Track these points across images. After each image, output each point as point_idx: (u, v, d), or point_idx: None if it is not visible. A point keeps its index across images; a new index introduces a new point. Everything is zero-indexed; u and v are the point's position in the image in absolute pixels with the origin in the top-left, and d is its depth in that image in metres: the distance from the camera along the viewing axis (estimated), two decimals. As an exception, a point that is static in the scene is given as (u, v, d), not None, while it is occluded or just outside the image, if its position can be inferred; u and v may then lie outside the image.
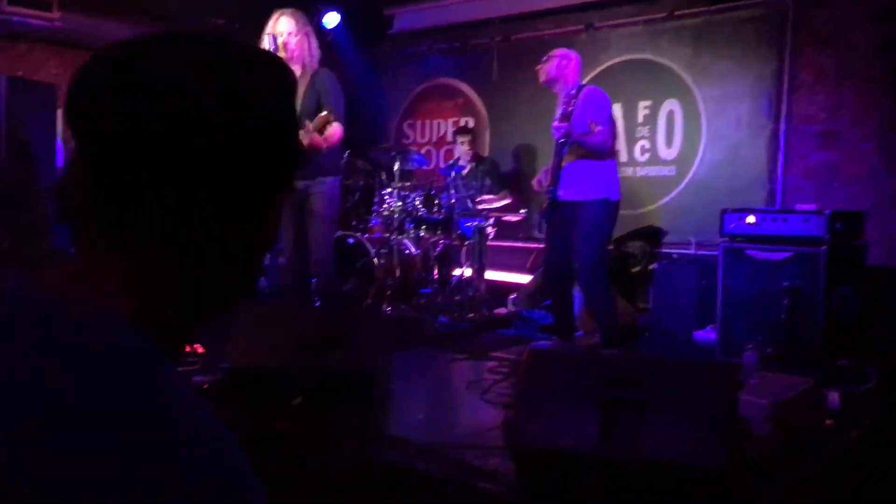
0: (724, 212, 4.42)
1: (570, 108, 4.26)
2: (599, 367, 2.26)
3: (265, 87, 0.69)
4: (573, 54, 4.45)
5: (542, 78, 4.43)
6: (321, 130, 3.88)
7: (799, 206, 4.32)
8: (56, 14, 5.71)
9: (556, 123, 4.25)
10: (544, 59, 4.43)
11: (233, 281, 0.73)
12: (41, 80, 6.21)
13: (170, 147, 0.63)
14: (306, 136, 3.86)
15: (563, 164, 4.30)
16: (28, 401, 0.57)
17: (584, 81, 6.25)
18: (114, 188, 0.65)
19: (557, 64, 4.36)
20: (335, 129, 4.00)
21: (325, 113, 3.85)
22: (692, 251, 5.68)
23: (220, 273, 0.71)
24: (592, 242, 4.22)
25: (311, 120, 3.94)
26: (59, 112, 6.01)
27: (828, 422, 2.98)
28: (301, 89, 4.07)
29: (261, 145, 0.68)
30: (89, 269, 0.67)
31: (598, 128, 4.19)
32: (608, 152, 4.24)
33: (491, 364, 4.00)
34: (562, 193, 4.30)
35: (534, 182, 4.62)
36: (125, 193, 0.65)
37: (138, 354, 0.62)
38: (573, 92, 4.31)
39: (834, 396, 3.22)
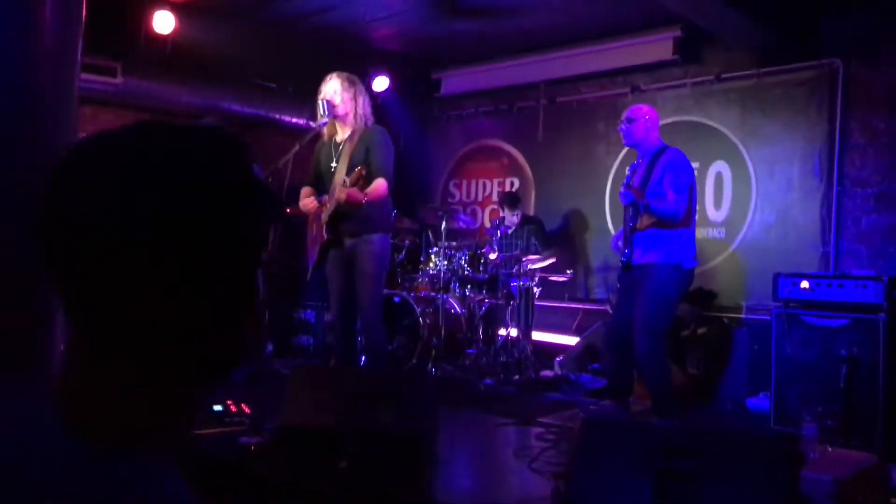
0: (777, 276, 4.34)
1: (650, 171, 4.21)
2: (655, 437, 2.20)
3: (207, 175, 0.69)
4: (652, 112, 4.37)
5: (626, 141, 4.38)
6: (359, 185, 3.90)
7: (855, 272, 4.22)
8: (119, 79, 5.96)
9: (622, 189, 4.20)
10: (623, 120, 4.36)
11: (219, 356, 0.73)
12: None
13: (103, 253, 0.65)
14: (343, 192, 3.90)
15: (638, 229, 4.22)
16: None
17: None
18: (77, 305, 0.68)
19: (644, 126, 4.29)
20: (379, 185, 4.03)
21: (359, 168, 3.88)
22: (743, 315, 5.57)
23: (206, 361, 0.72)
24: (657, 306, 4.09)
25: None
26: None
27: (894, 500, 2.85)
28: (351, 144, 4.15)
29: (197, 232, 0.68)
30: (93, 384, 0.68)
31: (673, 196, 4.09)
32: (681, 222, 4.10)
33: (538, 430, 3.94)
34: (636, 256, 4.22)
35: (611, 241, 4.58)
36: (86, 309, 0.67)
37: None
38: (654, 153, 4.25)
39: (899, 472, 3.08)
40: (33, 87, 1.89)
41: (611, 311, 4.64)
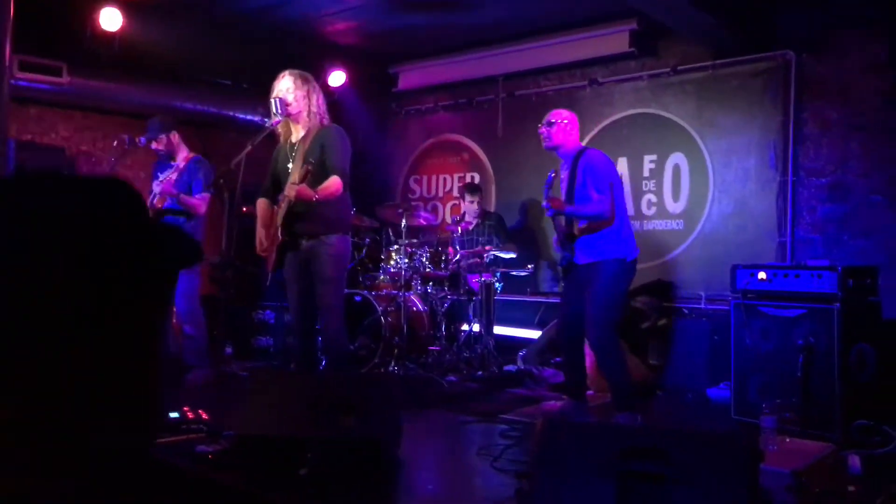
0: (735, 267, 4.37)
1: (573, 176, 4.27)
2: (616, 438, 2.19)
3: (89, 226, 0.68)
4: (572, 116, 4.41)
5: (545, 144, 4.41)
6: (307, 181, 3.80)
7: (810, 261, 4.27)
8: (66, 79, 5.77)
9: (544, 203, 4.24)
10: (545, 122, 4.39)
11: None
12: (50, 144, 6.28)
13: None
14: (292, 189, 3.81)
15: (575, 235, 4.27)
16: None
17: (589, 136, 6.35)
18: None
19: (560, 129, 4.33)
20: (332, 182, 3.92)
21: (305, 165, 3.78)
22: (702, 305, 5.63)
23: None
24: (606, 301, 4.13)
25: (314, 170, 3.90)
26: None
27: (850, 488, 2.89)
28: (305, 143, 4.05)
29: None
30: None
31: (596, 196, 4.15)
32: (609, 219, 4.16)
33: (502, 427, 3.93)
34: (578, 257, 4.26)
35: (553, 243, 4.59)
36: None
37: None
38: (574, 157, 4.30)
39: (855, 460, 3.13)
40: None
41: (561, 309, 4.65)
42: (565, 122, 4.34)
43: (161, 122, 4.99)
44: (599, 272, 4.14)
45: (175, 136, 5.01)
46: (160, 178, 4.96)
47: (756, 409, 3.85)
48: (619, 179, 4.34)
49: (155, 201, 4.77)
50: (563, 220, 4.33)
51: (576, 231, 4.27)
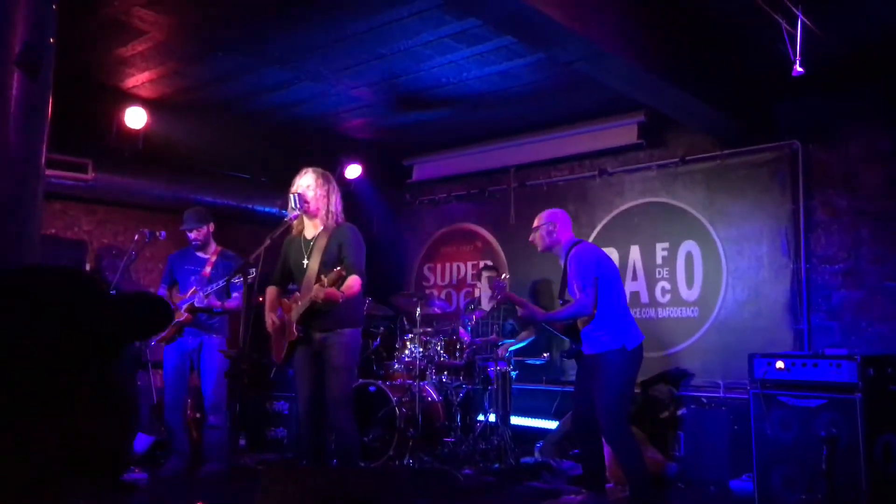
0: (752, 357, 4.34)
1: (566, 272, 4.36)
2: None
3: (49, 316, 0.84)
4: (557, 215, 4.49)
5: (539, 248, 4.50)
6: (336, 284, 3.89)
7: (828, 350, 4.23)
8: (91, 175, 5.95)
9: (520, 313, 4.34)
10: (533, 228, 4.49)
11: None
12: (72, 238, 6.42)
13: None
14: (321, 291, 3.87)
15: (580, 327, 4.30)
16: None
17: (601, 224, 6.44)
18: None
19: (545, 232, 4.43)
20: (353, 282, 4.01)
21: (338, 268, 3.87)
22: (721, 394, 5.55)
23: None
24: (612, 394, 4.11)
25: (330, 268, 3.97)
26: (88, 267, 6.17)
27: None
28: (322, 241, 4.13)
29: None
30: None
31: (578, 294, 4.19)
32: (590, 314, 4.18)
33: (520, 524, 3.84)
34: (584, 347, 4.29)
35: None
36: None
37: None
38: (566, 253, 4.38)
39: (887, 558, 3.02)
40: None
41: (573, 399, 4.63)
42: (547, 224, 4.44)
43: (201, 213, 5.15)
44: (602, 364, 4.15)
45: (212, 227, 5.15)
46: (192, 271, 5.05)
47: (781, 502, 3.76)
48: (608, 271, 4.31)
49: (196, 301, 4.84)
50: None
51: (579, 325, 4.30)
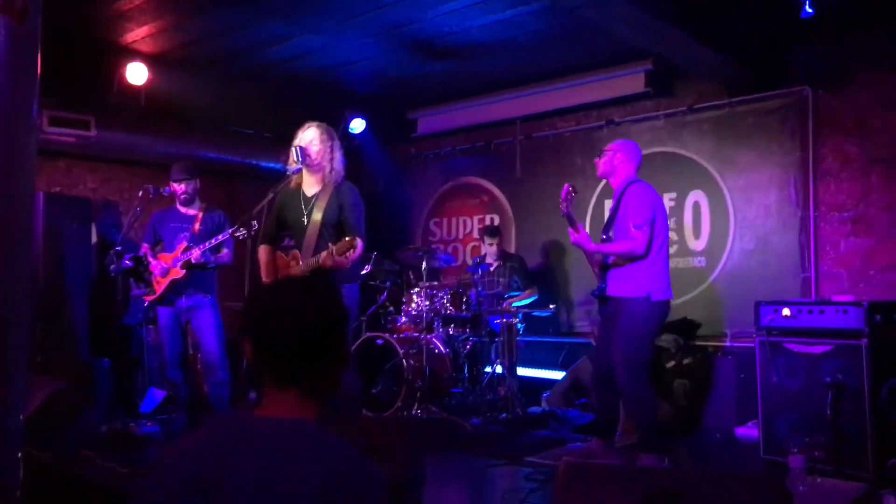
0: (758, 304, 4.33)
1: (617, 206, 4.26)
2: (639, 482, 2.16)
3: (331, 305, 1.48)
4: (626, 146, 4.37)
5: (598, 173, 4.43)
6: (345, 253, 3.89)
7: (835, 297, 4.22)
8: (93, 132, 5.93)
9: (572, 237, 4.22)
10: (604, 150, 4.39)
11: (335, 388, 1.49)
12: (77, 196, 6.42)
13: (303, 346, 1.41)
14: (330, 258, 3.85)
15: (609, 265, 4.24)
16: (305, 481, 1.25)
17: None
18: (283, 369, 1.42)
19: (609, 159, 4.32)
20: (356, 246, 4.02)
21: (348, 239, 3.83)
22: (727, 343, 5.56)
23: (332, 387, 1.48)
24: (631, 340, 4.07)
25: (330, 228, 4.00)
26: (93, 225, 6.18)
27: (887, 529, 2.81)
28: (324, 200, 4.10)
29: (335, 331, 1.47)
30: (279, 404, 1.40)
31: (633, 232, 4.09)
32: (641, 255, 4.09)
33: (527, 470, 3.88)
34: (609, 289, 4.23)
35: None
36: (288, 370, 1.42)
37: (330, 440, 1.33)
38: (623, 188, 4.27)
39: (890, 500, 3.05)
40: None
41: (594, 344, 4.61)
42: (616, 151, 4.33)
43: (190, 166, 5.10)
44: (623, 309, 4.11)
45: (198, 183, 5.11)
46: (179, 228, 5.02)
47: (785, 448, 3.78)
48: (663, 217, 4.24)
49: (193, 257, 4.80)
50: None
51: (610, 261, 4.23)
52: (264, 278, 4.17)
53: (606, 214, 5.46)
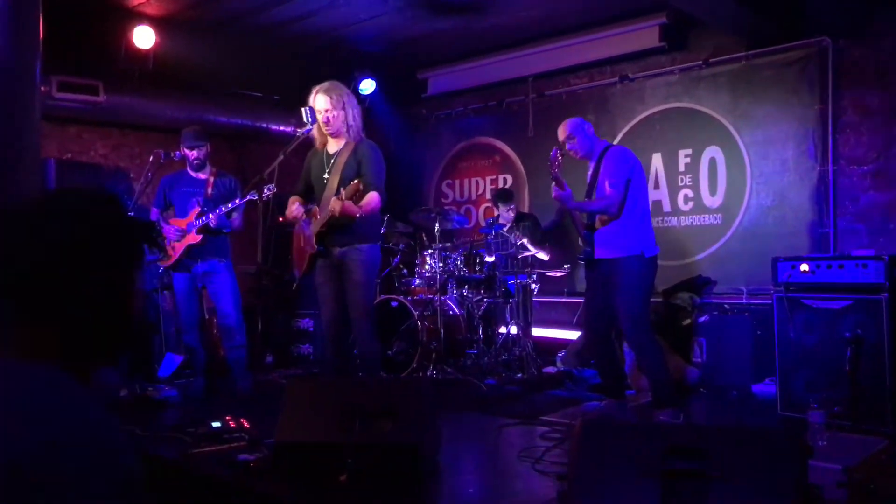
0: (776, 260, 4.27)
1: (596, 173, 4.30)
2: (657, 438, 2.15)
3: (97, 229, 1.14)
4: (578, 122, 4.38)
5: (577, 157, 4.42)
6: (354, 199, 3.88)
7: (855, 251, 4.15)
8: (102, 97, 5.89)
9: (555, 193, 4.22)
10: (567, 137, 4.36)
11: (113, 338, 1.19)
12: (88, 162, 6.41)
13: (48, 278, 1.10)
14: (338, 204, 3.86)
15: (596, 227, 4.26)
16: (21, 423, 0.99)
17: (622, 132, 6.30)
18: (28, 305, 1.11)
19: (578, 144, 4.33)
20: (372, 198, 4.01)
21: (355, 181, 3.86)
22: (744, 300, 5.51)
23: (103, 335, 1.17)
24: (632, 298, 4.11)
25: (348, 184, 3.95)
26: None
27: (906, 483, 2.79)
28: (343, 157, 4.11)
29: (100, 262, 1.14)
30: (30, 343, 1.11)
31: (608, 191, 4.14)
32: (615, 214, 4.15)
33: (542, 429, 3.88)
34: (597, 252, 4.25)
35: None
36: (32, 307, 1.11)
37: (68, 389, 1.07)
38: (599, 156, 4.31)
39: (910, 454, 3.02)
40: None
41: (584, 310, 4.61)
42: (579, 130, 4.34)
43: (199, 131, 5.05)
44: (622, 270, 4.13)
45: (209, 147, 5.07)
46: (191, 192, 5.00)
47: (803, 404, 3.75)
48: (640, 176, 4.28)
49: (211, 222, 4.79)
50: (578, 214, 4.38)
51: (597, 224, 4.26)
52: (289, 207, 4.26)
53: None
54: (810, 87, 5.41)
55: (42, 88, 5.57)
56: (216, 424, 3.58)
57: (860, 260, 3.91)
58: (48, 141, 5.95)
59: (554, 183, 4.22)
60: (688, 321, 5.27)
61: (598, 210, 4.22)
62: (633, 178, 4.20)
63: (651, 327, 4.21)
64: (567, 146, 4.38)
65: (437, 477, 3.00)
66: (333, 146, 4.20)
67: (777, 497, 1.98)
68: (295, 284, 4.31)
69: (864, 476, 2.67)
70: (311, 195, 4.29)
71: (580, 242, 4.43)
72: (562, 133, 4.39)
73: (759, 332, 5.06)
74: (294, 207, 4.23)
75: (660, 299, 5.34)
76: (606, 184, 4.18)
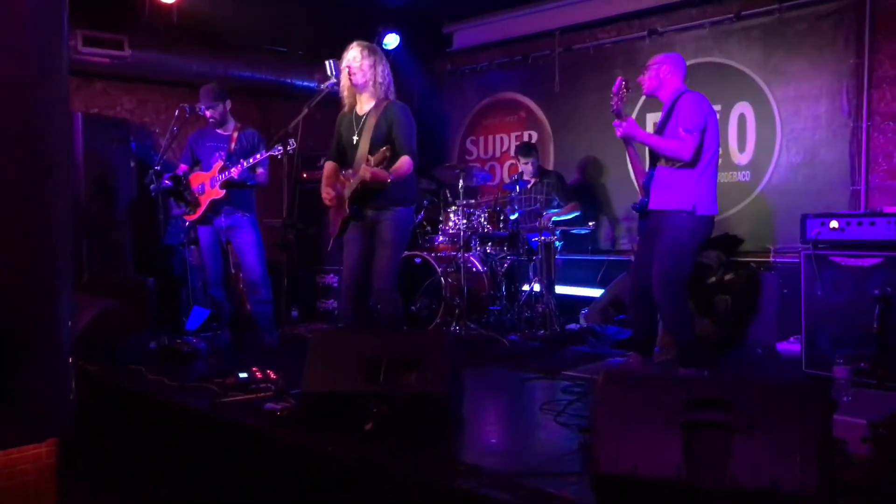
0: (805, 217, 4.21)
1: (667, 117, 4.09)
2: (681, 389, 2.15)
3: None
4: (671, 58, 4.18)
5: (644, 90, 4.24)
6: (384, 165, 3.85)
7: (886, 209, 4.07)
8: (127, 52, 5.90)
9: (619, 130, 4.08)
10: (646, 66, 4.20)
11: None
12: (116, 116, 6.45)
13: None
14: (367, 171, 3.84)
15: (654, 168, 4.11)
16: None
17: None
18: None
19: (655, 73, 4.14)
20: (403, 163, 3.96)
21: (384, 148, 3.82)
22: (771, 259, 5.45)
23: None
24: (672, 255, 3.97)
25: (380, 147, 3.91)
26: (132, 146, 6.22)
27: (931, 440, 2.77)
28: (373, 119, 4.05)
29: None
30: None
31: (684, 134, 3.93)
32: (689, 161, 3.94)
33: (564, 384, 3.91)
34: (651, 202, 4.10)
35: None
36: None
37: None
38: (672, 101, 4.11)
39: (936, 411, 3.00)
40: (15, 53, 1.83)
41: (633, 260, 4.54)
42: (665, 63, 4.13)
43: (216, 90, 5.05)
44: (666, 223, 4.00)
45: (229, 105, 5.08)
46: (215, 147, 5.02)
47: (828, 362, 3.72)
48: (715, 127, 4.05)
49: (234, 174, 4.82)
50: (637, 154, 4.20)
51: (662, 163, 4.05)
52: (323, 188, 4.19)
53: (651, 129, 5.31)
54: (845, 41, 5.26)
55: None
56: (243, 375, 3.65)
57: (892, 217, 3.85)
58: (75, 96, 5.99)
59: (616, 118, 4.04)
60: (713, 279, 5.23)
61: (671, 150, 3.97)
62: (709, 128, 3.98)
63: (684, 289, 4.06)
64: (649, 71, 4.15)
65: (461, 428, 3.04)
66: (362, 107, 4.13)
67: (801, 450, 1.98)
68: (330, 245, 4.31)
69: (888, 431, 2.66)
70: (344, 159, 4.25)
71: (640, 190, 4.26)
72: (649, 61, 4.22)
73: (785, 291, 5.02)
74: (327, 190, 4.16)
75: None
76: (681, 129, 3.95)
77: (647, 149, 4.33)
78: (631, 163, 4.34)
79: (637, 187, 4.29)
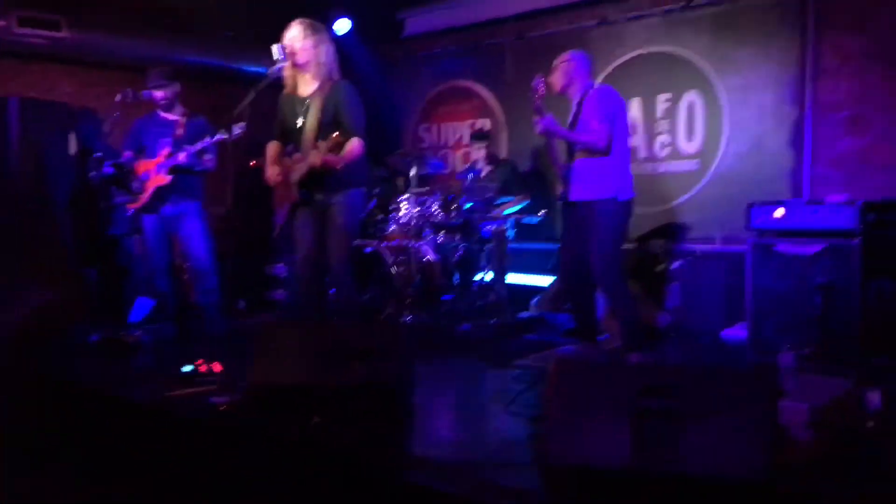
0: (750, 206, 4.29)
1: (578, 112, 4.19)
2: (630, 377, 2.15)
3: None
4: (578, 56, 4.29)
5: (554, 90, 4.31)
6: (333, 151, 3.77)
7: (829, 197, 4.16)
8: (64, 32, 5.69)
9: (535, 118, 4.12)
10: (553, 66, 4.29)
11: None
12: (54, 100, 6.21)
13: None
14: (318, 157, 3.76)
15: (572, 162, 4.19)
16: None
17: (599, 78, 6.20)
18: None
19: (563, 71, 4.25)
20: (353, 146, 3.89)
21: (336, 134, 3.74)
22: (717, 247, 5.53)
23: None
24: (604, 243, 4.08)
25: (327, 130, 3.84)
26: (73, 133, 6.01)
27: (870, 424, 2.84)
28: (318, 101, 3.96)
29: None
30: None
31: (597, 125, 4.04)
32: (603, 150, 4.06)
33: (516, 372, 3.91)
34: (572, 193, 4.19)
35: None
36: None
37: None
38: (581, 95, 4.21)
39: (874, 396, 3.07)
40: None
41: (559, 252, 4.59)
42: (570, 61, 4.24)
43: (167, 71, 4.91)
44: (595, 212, 4.09)
45: (178, 88, 4.94)
46: (161, 133, 4.88)
47: (773, 348, 3.81)
48: (624, 117, 4.20)
49: (180, 159, 4.68)
50: (557, 148, 4.28)
51: (580, 155, 4.16)
52: (268, 167, 4.08)
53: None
54: (790, 32, 5.35)
55: (1, 23, 5.38)
56: (187, 368, 3.56)
57: (834, 205, 3.93)
58: (10, 79, 5.76)
59: (535, 115, 4.11)
60: (661, 267, 5.30)
61: (586, 142, 4.09)
62: (619, 117, 4.12)
63: (623, 272, 4.20)
64: (558, 70, 4.25)
65: (412, 419, 3.00)
66: (305, 88, 4.02)
67: (749, 436, 2.00)
68: (276, 232, 4.21)
69: (830, 416, 2.72)
70: (288, 141, 4.15)
71: (559, 183, 4.35)
72: (555, 61, 4.29)
73: (731, 279, 5.10)
74: (272, 169, 4.06)
75: (633, 245, 5.35)
76: (594, 121, 4.06)
77: (564, 143, 4.38)
78: (551, 156, 4.39)
79: (557, 177, 4.34)
